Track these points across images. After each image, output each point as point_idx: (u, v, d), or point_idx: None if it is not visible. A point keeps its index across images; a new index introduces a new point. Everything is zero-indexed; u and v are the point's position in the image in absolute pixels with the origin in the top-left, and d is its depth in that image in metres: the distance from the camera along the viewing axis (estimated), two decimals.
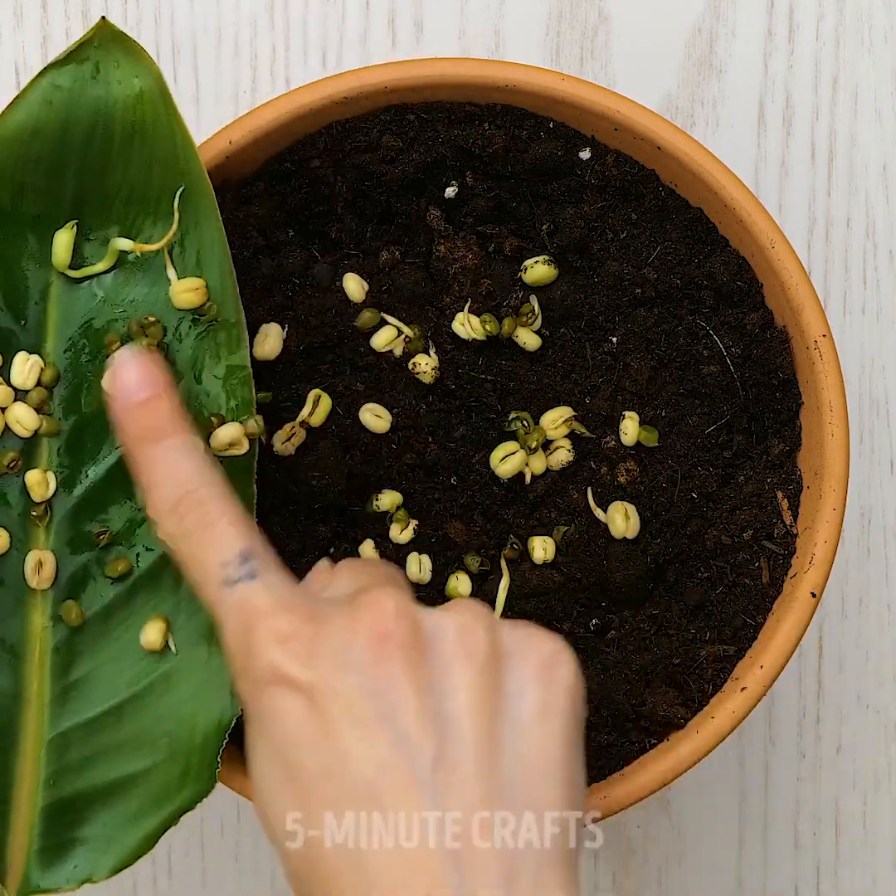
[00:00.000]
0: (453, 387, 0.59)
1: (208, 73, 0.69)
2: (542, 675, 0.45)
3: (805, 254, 0.69)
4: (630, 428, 0.59)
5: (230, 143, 0.58)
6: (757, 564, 0.59)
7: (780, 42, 0.69)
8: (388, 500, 0.58)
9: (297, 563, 0.58)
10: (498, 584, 0.58)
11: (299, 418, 0.58)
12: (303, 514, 0.58)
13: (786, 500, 0.59)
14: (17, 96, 0.54)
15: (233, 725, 0.53)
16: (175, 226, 0.54)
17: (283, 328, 0.59)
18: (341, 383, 0.59)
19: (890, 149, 0.70)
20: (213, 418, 0.54)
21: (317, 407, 0.58)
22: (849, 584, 0.70)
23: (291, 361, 0.59)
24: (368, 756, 0.43)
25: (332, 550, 0.58)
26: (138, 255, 0.55)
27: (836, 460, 0.57)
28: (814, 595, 0.57)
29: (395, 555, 0.58)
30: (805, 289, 0.57)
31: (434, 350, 0.59)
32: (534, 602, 0.58)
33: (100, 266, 0.55)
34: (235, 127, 0.58)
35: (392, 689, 0.43)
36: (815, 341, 0.57)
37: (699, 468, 0.59)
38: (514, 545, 0.58)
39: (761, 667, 0.56)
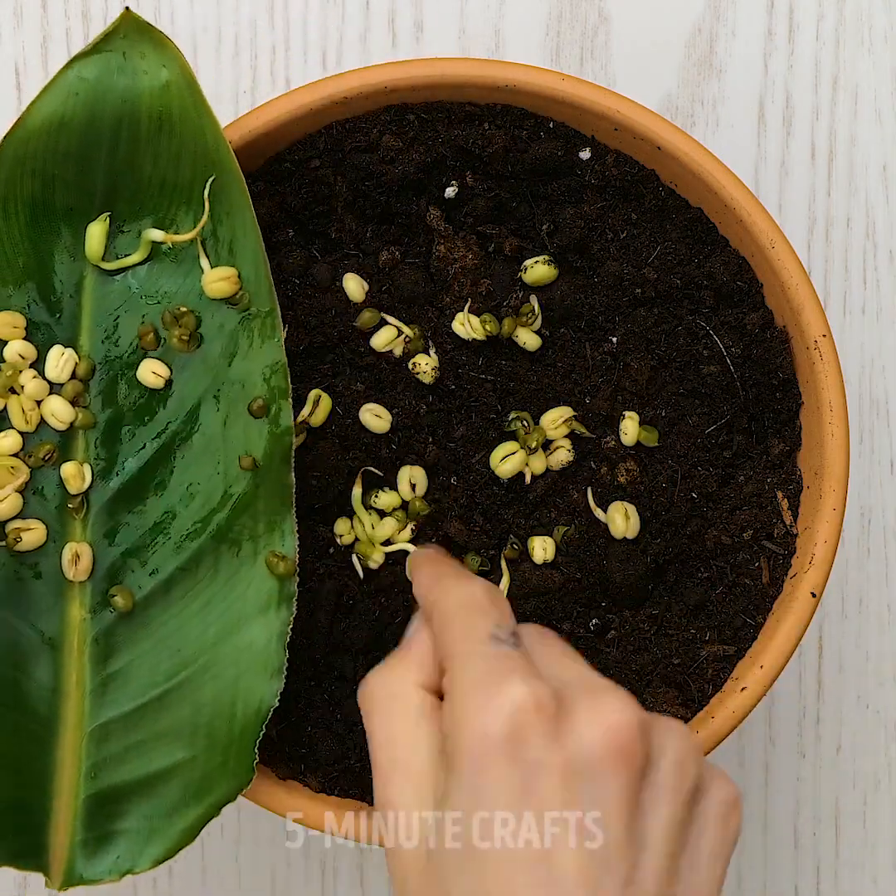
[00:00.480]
0: (453, 387, 0.59)
1: (208, 73, 0.69)
2: (722, 819, 0.47)
3: (805, 254, 0.69)
4: (630, 428, 0.59)
5: (230, 143, 0.58)
6: (757, 564, 0.59)
7: (780, 42, 0.69)
8: (387, 500, 0.58)
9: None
10: (498, 584, 0.58)
11: (299, 418, 0.58)
12: (302, 514, 0.58)
13: (786, 500, 0.59)
14: (44, 88, 0.54)
15: (269, 716, 0.54)
16: (205, 216, 0.55)
17: (284, 328, 0.59)
18: (341, 383, 0.59)
19: (890, 149, 0.70)
20: (254, 402, 0.54)
21: (317, 407, 0.58)
22: (849, 584, 0.70)
23: (291, 361, 0.59)
24: (572, 856, 0.44)
25: (331, 550, 0.58)
26: (171, 246, 0.55)
27: (836, 460, 0.57)
28: (814, 595, 0.57)
29: (394, 555, 0.58)
30: (805, 289, 0.57)
31: (434, 350, 0.59)
32: (534, 602, 0.58)
33: (133, 258, 0.56)
34: (235, 127, 0.58)
35: (610, 802, 0.44)
36: (815, 341, 0.57)
37: (699, 468, 0.59)
38: (514, 545, 0.58)
39: (761, 667, 0.56)
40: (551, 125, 0.59)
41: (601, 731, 0.45)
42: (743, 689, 0.56)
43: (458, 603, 0.49)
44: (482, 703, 0.45)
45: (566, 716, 0.45)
